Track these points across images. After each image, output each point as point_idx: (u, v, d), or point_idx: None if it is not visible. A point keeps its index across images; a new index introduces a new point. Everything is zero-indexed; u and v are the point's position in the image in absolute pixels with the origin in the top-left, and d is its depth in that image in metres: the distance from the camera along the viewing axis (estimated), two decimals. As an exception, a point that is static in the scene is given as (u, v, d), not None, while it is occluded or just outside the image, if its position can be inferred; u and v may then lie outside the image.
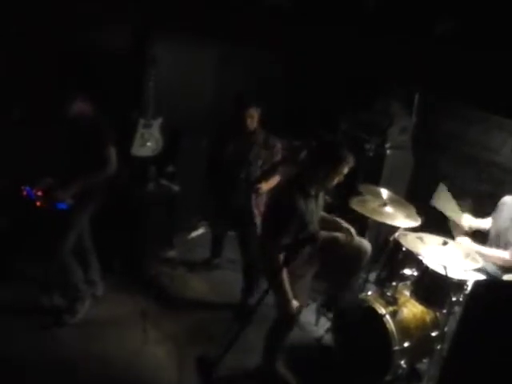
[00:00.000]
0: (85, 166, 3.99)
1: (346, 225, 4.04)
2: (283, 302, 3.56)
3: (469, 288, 3.82)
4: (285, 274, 3.48)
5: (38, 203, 4.09)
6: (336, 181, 3.67)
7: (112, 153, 4.07)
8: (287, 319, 3.72)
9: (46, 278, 4.61)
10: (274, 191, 4.08)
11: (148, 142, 5.22)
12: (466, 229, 4.39)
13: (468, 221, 4.45)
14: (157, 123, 5.25)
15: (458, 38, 4.65)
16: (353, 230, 4.00)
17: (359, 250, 4.10)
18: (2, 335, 4.03)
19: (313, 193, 3.70)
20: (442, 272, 3.72)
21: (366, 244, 4.16)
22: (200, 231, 5.97)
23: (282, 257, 3.34)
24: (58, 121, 4.08)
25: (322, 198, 3.91)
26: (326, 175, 3.62)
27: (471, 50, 4.57)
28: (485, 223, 4.42)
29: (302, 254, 3.57)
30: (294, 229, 3.55)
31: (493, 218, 4.33)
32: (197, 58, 5.50)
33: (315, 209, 3.77)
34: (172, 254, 5.51)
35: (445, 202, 4.47)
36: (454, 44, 4.68)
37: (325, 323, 4.35)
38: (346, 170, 3.62)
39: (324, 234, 4.01)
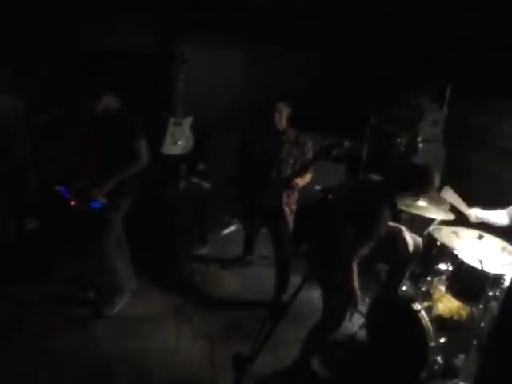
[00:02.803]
0: (117, 162, 4.04)
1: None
2: (351, 298, 3.57)
3: (506, 282, 3.76)
4: (356, 272, 3.53)
5: (73, 203, 4.15)
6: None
7: (143, 145, 4.11)
8: (338, 316, 3.73)
9: (84, 275, 4.72)
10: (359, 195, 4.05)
11: (179, 141, 5.27)
12: (473, 219, 4.28)
13: (475, 211, 4.33)
14: (187, 122, 5.29)
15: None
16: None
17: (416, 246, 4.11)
18: (41, 331, 4.12)
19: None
20: (478, 266, 3.67)
21: (419, 240, 4.15)
22: (232, 228, 6.00)
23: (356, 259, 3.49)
24: (88, 118, 4.13)
25: None
26: (415, 198, 3.86)
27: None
28: (494, 216, 4.31)
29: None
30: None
31: None
32: (225, 56, 5.52)
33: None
34: (205, 251, 5.56)
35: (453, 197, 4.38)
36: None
37: (359, 319, 4.32)
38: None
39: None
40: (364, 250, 3.65)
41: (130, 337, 4.20)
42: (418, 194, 3.76)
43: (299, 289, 3.11)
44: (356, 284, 3.52)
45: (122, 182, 4.09)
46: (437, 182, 3.64)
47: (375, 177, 3.86)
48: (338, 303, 3.69)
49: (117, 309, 4.45)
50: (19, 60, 4.48)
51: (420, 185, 3.62)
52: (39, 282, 4.64)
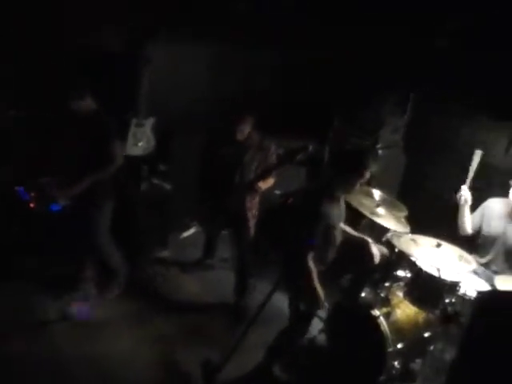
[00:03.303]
0: (90, 163, 4.00)
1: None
2: (315, 300, 3.59)
3: (461, 289, 3.85)
4: (315, 273, 3.55)
5: (32, 204, 4.07)
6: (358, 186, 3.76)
7: (118, 147, 4.11)
8: (303, 321, 3.76)
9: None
10: (295, 197, 4.08)
11: (140, 142, 5.21)
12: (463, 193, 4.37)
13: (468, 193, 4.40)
14: (149, 123, 5.23)
15: (456, 39, 4.67)
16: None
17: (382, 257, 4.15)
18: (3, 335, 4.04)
19: (338, 197, 3.79)
20: (436, 274, 3.75)
21: (385, 251, 4.21)
22: (192, 231, 5.97)
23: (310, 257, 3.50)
24: (65, 119, 4.06)
25: (343, 202, 3.95)
26: (353, 182, 3.70)
27: (468, 50, 4.59)
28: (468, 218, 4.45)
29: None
30: (319, 233, 3.60)
31: (483, 224, 4.36)
32: (190, 57, 5.47)
33: (340, 213, 3.85)
34: (165, 253, 5.52)
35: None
36: (451, 45, 4.69)
37: (318, 324, 4.36)
38: (368, 175, 3.71)
39: (354, 234, 4.10)
40: (320, 253, 3.66)
41: (90, 340, 4.15)
42: (356, 177, 3.68)
43: (270, 294, 3.14)
44: (317, 286, 3.56)
45: (98, 183, 4.06)
46: (369, 162, 3.67)
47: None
48: (305, 308, 3.72)
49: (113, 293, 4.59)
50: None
51: (354, 165, 3.66)
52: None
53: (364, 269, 4.08)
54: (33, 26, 4.51)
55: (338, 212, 3.78)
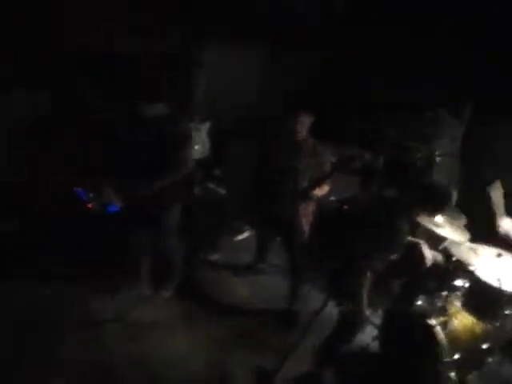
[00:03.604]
0: (161, 167, 4.03)
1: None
2: (358, 308, 3.58)
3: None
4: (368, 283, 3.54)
5: (90, 205, 4.15)
6: None
7: (191, 153, 4.17)
8: (352, 327, 3.74)
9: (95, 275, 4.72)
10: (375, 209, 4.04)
11: (196, 146, 5.26)
12: (501, 230, 4.27)
13: (508, 223, 4.33)
14: (205, 127, 5.29)
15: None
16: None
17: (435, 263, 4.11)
18: (45, 334, 4.11)
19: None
20: (495, 284, 3.67)
21: (439, 258, 4.15)
22: (245, 235, 5.99)
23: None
24: (131, 124, 4.12)
25: None
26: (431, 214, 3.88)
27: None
28: None
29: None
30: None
31: None
32: (244, 61, 5.52)
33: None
34: (216, 257, 5.55)
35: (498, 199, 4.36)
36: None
37: (372, 331, 4.31)
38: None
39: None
40: (381, 265, 3.66)
41: (140, 342, 4.19)
42: (434, 212, 3.79)
43: (326, 302, 3.13)
44: (365, 295, 3.53)
45: (167, 186, 4.10)
46: (453, 200, 3.66)
47: (391, 192, 3.87)
48: (353, 313, 3.70)
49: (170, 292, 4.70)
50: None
51: (438, 204, 3.63)
52: (55, 278, 4.67)
53: (416, 273, 4.03)
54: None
55: (407, 229, 3.76)
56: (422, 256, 3.95)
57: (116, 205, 4.07)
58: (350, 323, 3.82)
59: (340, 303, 3.86)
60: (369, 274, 3.56)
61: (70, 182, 4.30)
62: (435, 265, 4.06)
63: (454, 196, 3.68)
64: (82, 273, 4.77)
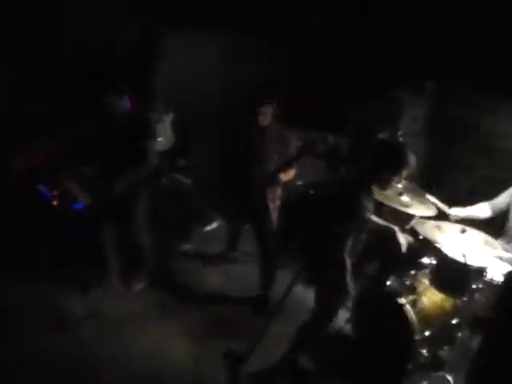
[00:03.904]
0: (126, 162, 4.01)
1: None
2: (344, 293, 3.58)
3: (488, 275, 3.83)
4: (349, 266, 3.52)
5: (55, 202, 4.11)
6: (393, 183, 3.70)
7: (153, 147, 4.15)
8: (329, 312, 3.75)
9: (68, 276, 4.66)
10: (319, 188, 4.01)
11: (159, 137, 5.22)
12: (453, 217, 4.40)
13: (454, 211, 4.44)
14: (168, 118, 5.25)
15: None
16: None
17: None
18: (27, 330, 4.05)
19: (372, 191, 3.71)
20: (461, 260, 3.72)
21: (410, 239, 4.19)
22: (215, 224, 5.98)
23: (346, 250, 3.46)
24: (100, 119, 4.08)
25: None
26: (389, 180, 3.63)
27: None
28: (475, 210, 4.43)
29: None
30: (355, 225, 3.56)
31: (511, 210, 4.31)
32: (206, 52, 5.48)
33: (372, 205, 3.76)
34: (188, 247, 5.53)
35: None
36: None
37: (344, 314, 4.35)
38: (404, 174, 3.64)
39: (381, 223, 4.04)
40: (352, 244, 3.63)
41: (115, 336, 4.16)
42: (395, 174, 3.60)
43: (291, 285, 3.13)
44: (350, 280, 3.54)
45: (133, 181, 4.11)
46: (411, 159, 3.60)
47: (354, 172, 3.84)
48: (330, 299, 3.71)
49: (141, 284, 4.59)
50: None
51: (394, 162, 3.56)
52: (28, 280, 4.57)
53: (391, 257, 4.05)
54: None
55: (371, 205, 3.69)
56: (398, 243, 3.96)
57: (81, 202, 4.04)
58: (329, 309, 3.80)
59: (321, 289, 3.83)
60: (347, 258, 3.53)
61: (33, 180, 4.26)
62: (409, 248, 4.09)
63: (413, 160, 3.62)
64: (52, 270, 4.67)
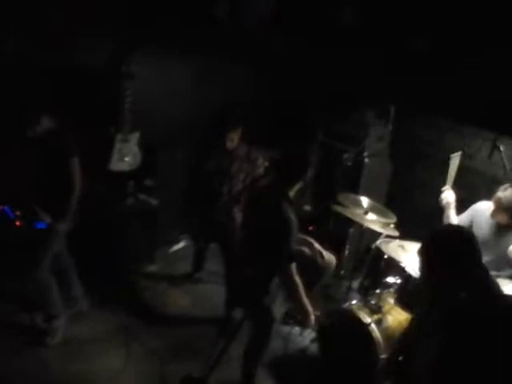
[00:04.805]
0: (55, 184, 3.97)
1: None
2: (304, 314, 3.55)
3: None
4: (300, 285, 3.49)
5: (17, 223, 4.05)
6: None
7: (75, 168, 4.02)
8: (266, 332, 3.72)
9: (25, 296, 4.54)
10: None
11: (126, 157, 5.18)
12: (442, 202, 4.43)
13: (449, 195, 4.46)
14: (134, 138, 5.22)
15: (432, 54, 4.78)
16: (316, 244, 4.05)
17: (325, 263, 4.14)
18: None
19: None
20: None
21: (331, 257, 4.19)
22: (181, 244, 5.94)
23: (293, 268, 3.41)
24: (26, 139, 4.00)
25: None
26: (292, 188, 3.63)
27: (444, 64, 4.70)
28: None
29: None
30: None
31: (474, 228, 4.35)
32: (173, 72, 5.48)
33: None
34: (153, 268, 5.48)
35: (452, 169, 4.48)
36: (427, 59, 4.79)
37: (310, 333, 4.34)
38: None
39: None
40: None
41: (77, 359, 4.08)
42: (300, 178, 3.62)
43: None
44: (305, 299, 3.53)
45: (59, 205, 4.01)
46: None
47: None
48: (262, 317, 3.69)
49: (58, 336, 4.29)
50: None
51: (296, 168, 3.61)
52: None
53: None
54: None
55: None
56: (320, 253, 4.01)
57: (44, 222, 3.99)
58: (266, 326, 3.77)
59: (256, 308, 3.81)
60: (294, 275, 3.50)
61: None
62: (328, 264, 4.18)
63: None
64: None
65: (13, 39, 4.49)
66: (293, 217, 3.46)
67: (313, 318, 3.57)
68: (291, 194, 3.58)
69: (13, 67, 4.47)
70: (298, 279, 3.45)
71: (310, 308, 3.54)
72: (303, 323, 3.66)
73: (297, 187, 3.59)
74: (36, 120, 3.93)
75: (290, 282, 3.45)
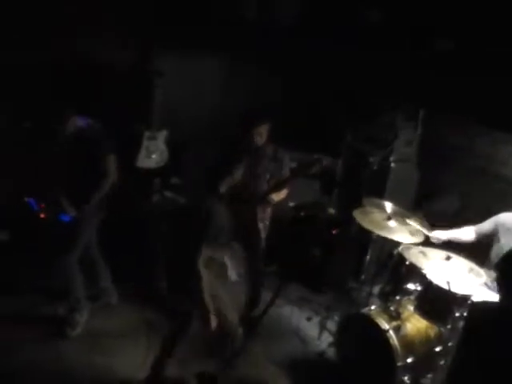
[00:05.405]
0: (87, 179, 4.03)
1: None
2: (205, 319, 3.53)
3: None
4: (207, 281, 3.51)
5: (42, 215, 4.13)
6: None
7: (111, 164, 4.12)
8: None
9: (49, 287, 4.64)
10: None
11: (153, 154, 5.24)
12: (435, 241, 4.39)
13: (437, 234, 4.42)
14: (162, 135, 5.27)
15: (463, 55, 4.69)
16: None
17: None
18: (5, 347, 4.02)
19: None
20: (446, 287, 3.70)
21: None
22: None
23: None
24: (59, 136, 4.10)
25: None
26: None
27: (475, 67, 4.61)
28: (459, 233, 4.41)
29: None
30: None
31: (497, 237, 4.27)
32: (202, 70, 5.52)
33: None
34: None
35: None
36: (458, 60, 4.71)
37: (327, 337, 4.32)
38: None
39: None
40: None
41: (99, 353, 4.12)
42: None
43: (269, 305, 3.12)
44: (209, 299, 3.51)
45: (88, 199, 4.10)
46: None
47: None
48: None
49: (79, 328, 4.36)
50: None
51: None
52: (7, 295, 4.56)
53: None
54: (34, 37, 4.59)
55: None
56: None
57: (68, 214, 4.06)
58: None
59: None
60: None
61: (21, 192, 4.28)
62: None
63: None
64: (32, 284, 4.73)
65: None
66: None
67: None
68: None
69: (46, 66, 4.59)
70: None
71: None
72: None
73: None
74: (66, 119, 4.04)
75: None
